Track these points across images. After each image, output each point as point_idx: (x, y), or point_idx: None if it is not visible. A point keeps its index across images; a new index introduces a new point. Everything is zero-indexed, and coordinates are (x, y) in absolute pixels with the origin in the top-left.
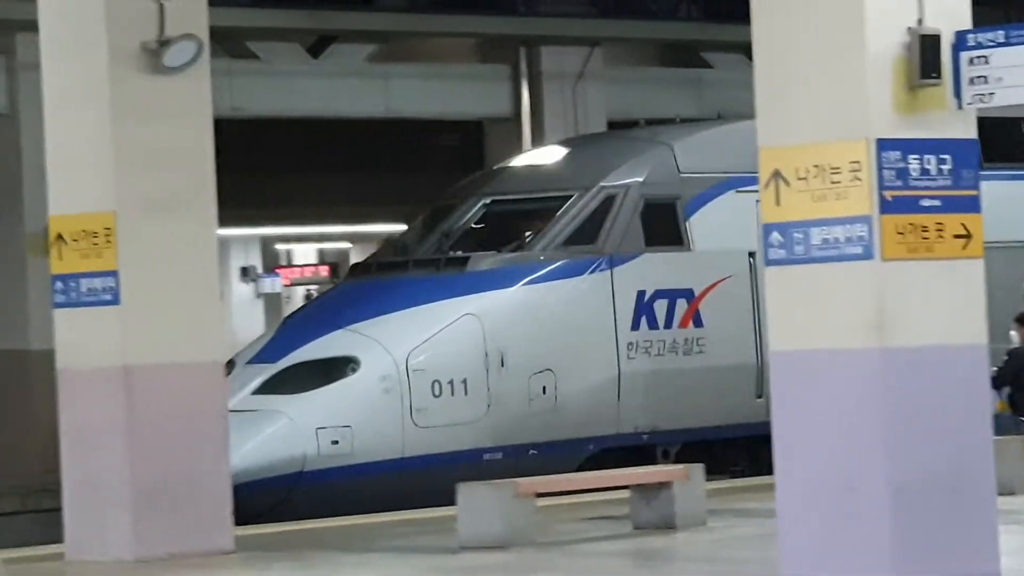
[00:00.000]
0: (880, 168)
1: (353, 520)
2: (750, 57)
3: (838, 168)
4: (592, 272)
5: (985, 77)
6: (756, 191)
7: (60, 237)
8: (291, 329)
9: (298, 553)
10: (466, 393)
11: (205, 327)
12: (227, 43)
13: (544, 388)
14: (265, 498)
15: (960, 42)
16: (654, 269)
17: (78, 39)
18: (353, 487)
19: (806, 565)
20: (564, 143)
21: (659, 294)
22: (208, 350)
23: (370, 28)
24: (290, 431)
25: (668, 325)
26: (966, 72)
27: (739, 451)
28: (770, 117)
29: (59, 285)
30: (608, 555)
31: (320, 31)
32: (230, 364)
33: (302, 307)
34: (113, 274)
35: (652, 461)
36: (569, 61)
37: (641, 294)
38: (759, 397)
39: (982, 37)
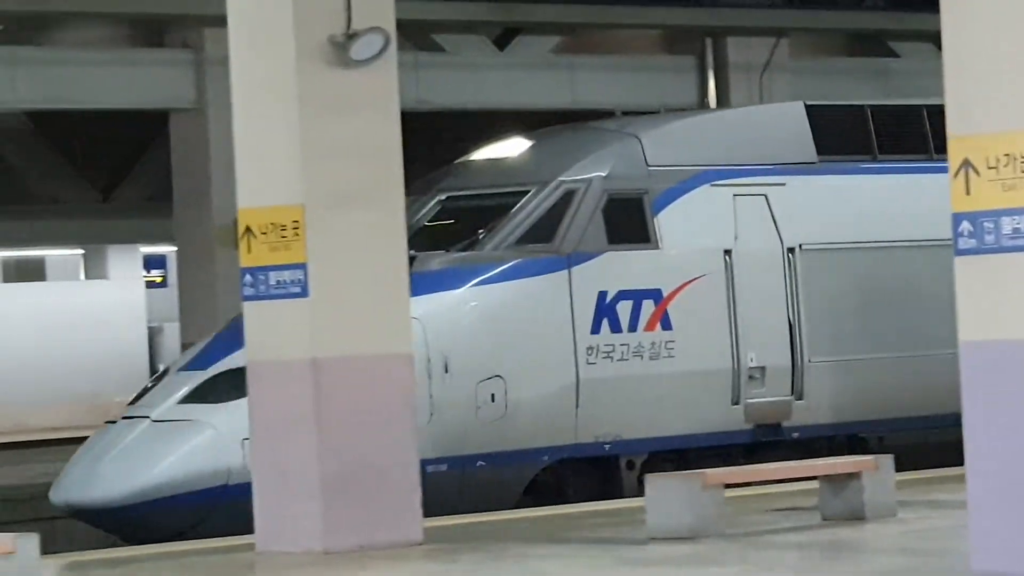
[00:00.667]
0: None
1: (541, 512)
2: (938, 46)
3: None
4: (547, 272)
5: None
6: (733, 185)
7: (249, 230)
8: (227, 333)
9: (485, 544)
10: None
11: (393, 318)
12: (413, 36)
13: (493, 396)
14: (187, 514)
15: None
16: (617, 268)
17: (266, 34)
18: None
19: (999, 558)
20: (529, 135)
21: (623, 295)
22: (396, 342)
23: (556, 20)
24: (214, 442)
25: (633, 328)
26: None
27: (714, 461)
28: (960, 106)
29: (248, 278)
30: (797, 546)
31: (506, 23)
32: (165, 371)
33: None
34: (302, 267)
35: (615, 472)
36: (755, 52)
37: (603, 295)
38: (735, 404)
39: None
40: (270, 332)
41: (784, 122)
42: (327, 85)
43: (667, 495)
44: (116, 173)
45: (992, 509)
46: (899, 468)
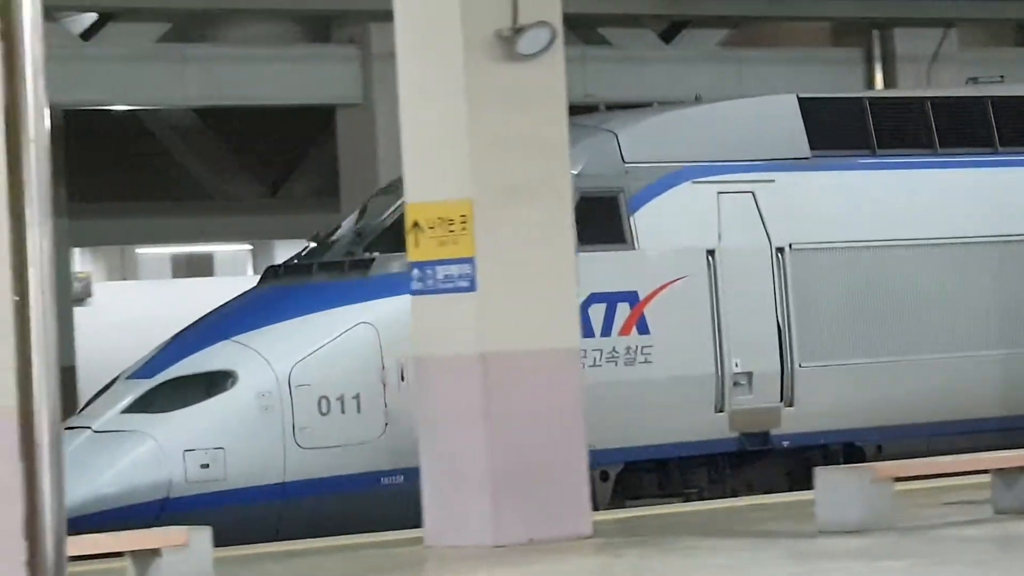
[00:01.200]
0: None
1: (707, 505)
2: None
3: None
4: None
5: None
6: (717, 182)
7: (417, 225)
8: (178, 340)
9: (654, 538)
10: (359, 411)
11: (561, 313)
12: (580, 30)
13: None
14: (126, 528)
15: None
16: (589, 270)
17: (433, 28)
18: (227, 515)
19: None
20: None
21: (595, 298)
22: (564, 336)
23: (723, 13)
24: (154, 454)
25: (606, 332)
26: None
27: (697, 471)
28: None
29: (416, 272)
30: (970, 540)
31: (672, 17)
32: (115, 379)
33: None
34: (470, 261)
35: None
36: (923, 43)
37: None
38: (719, 411)
39: None
40: (438, 326)
41: (775, 115)
42: (494, 79)
43: (836, 488)
44: (284, 168)
45: None
46: None
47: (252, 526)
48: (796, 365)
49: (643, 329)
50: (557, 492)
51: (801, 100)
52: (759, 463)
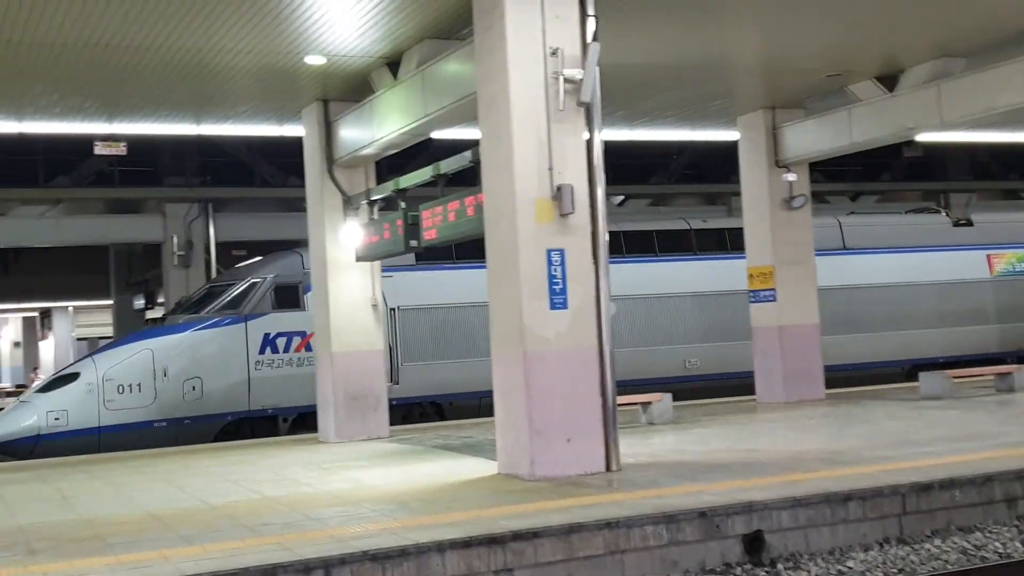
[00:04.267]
0: None
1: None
2: None
3: None
4: (232, 324)
5: None
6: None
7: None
8: (77, 358)
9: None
10: (140, 391)
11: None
12: None
13: (194, 387)
14: (20, 450)
15: None
16: (273, 321)
17: None
18: (70, 444)
19: None
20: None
21: (280, 335)
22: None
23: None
24: (33, 412)
25: (287, 351)
26: None
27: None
28: None
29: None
30: (985, 402)
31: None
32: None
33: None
34: None
35: (275, 424)
36: None
37: (267, 335)
38: None
39: None
40: None
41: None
42: None
43: (929, 380)
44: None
45: None
46: None
47: (82, 448)
48: (401, 364)
49: (309, 348)
50: None
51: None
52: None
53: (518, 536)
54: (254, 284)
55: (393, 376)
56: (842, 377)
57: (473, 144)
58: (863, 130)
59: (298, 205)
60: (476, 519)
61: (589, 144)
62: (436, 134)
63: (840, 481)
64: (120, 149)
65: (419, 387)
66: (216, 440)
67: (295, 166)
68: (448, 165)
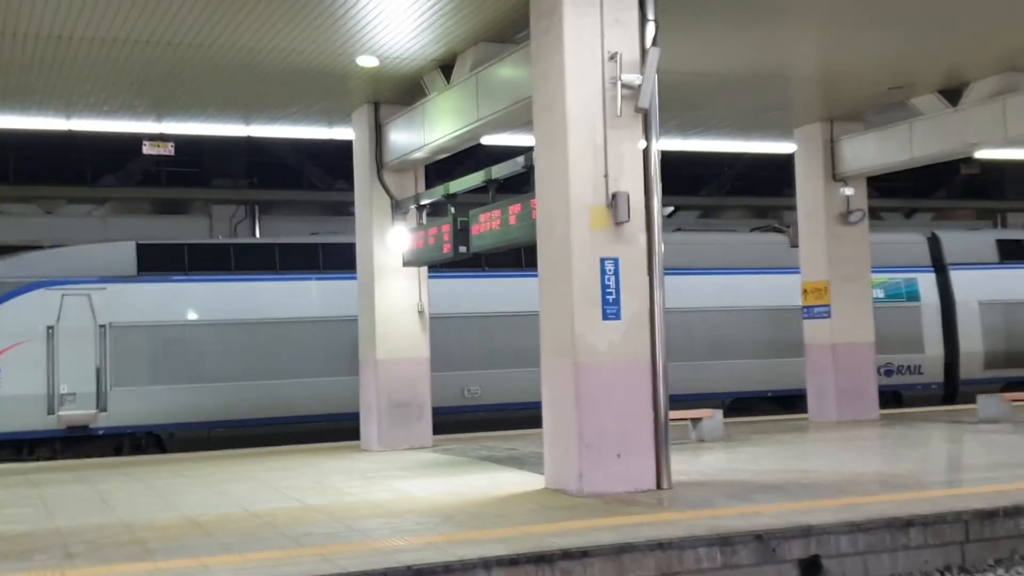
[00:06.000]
0: None
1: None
2: None
3: None
4: None
5: None
6: (61, 289)
7: None
8: None
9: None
10: None
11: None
12: None
13: None
14: None
15: None
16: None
17: None
18: None
19: None
20: None
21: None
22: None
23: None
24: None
25: None
26: None
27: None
28: None
29: None
30: None
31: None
32: None
33: None
34: None
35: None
36: None
37: None
38: (50, 414)
39: None
40: None
41: (115, 252)
42: None
43: (987, 403)
44: None
45: None
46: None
47: None
48: (111, 388)
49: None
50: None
51: (138, 245)
52: (87, 444)
53: (567, 555)
54: None
55: (99, 402)
56: None
57: (526, 150)
58: (924, 144)
59: (345, 209)
60: (523, 535)
61: (646, 152)
62: (487, 139)
63: (900, 506)
64: (168, 149)
65: (132, 415)
66: None
67: (342, 169)
68: (500, 170)
